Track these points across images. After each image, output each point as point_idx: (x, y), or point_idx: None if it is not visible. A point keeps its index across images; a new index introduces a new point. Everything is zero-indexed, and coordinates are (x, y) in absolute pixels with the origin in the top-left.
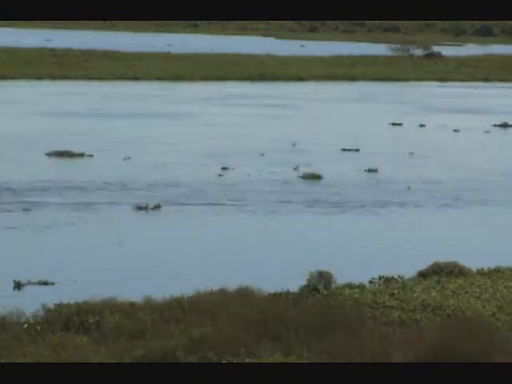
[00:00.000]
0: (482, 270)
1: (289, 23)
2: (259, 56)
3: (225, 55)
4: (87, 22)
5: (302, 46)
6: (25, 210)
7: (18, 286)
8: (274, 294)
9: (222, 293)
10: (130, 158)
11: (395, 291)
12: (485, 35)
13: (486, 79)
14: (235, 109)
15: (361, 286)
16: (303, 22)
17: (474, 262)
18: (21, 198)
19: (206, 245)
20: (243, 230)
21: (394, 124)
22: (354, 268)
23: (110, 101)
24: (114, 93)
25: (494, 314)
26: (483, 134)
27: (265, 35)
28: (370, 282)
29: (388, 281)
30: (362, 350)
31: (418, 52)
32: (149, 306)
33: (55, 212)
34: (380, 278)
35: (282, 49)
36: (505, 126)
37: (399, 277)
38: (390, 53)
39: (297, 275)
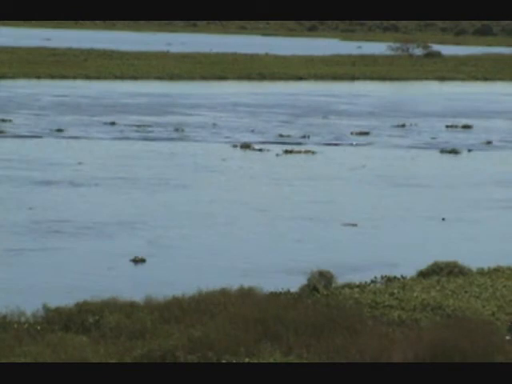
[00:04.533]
0: (482, 269)
1: (288, 23)
2: (259, 55)
3: (224, 54)
4: (87, 21)
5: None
6: None
7: None
8: (275, 294)
9: (223, 292)
10: None
11: (395, 291)
12: (485, 34)
13: (485, 78)
14: None
15: (361, 286)
16: (302, 21)
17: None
18: None
19: None
20: None
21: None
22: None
23: None
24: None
25: (493, 314)
26: None
27: (264, 34)
28: (372, 282)
29: (390, 280)
30: (362, 350)
31: (418, 51)
32: (149, 306)
33: None
34: (382, 277)
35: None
36: None
37: (402, 276)
38: (389, 52)
39: None
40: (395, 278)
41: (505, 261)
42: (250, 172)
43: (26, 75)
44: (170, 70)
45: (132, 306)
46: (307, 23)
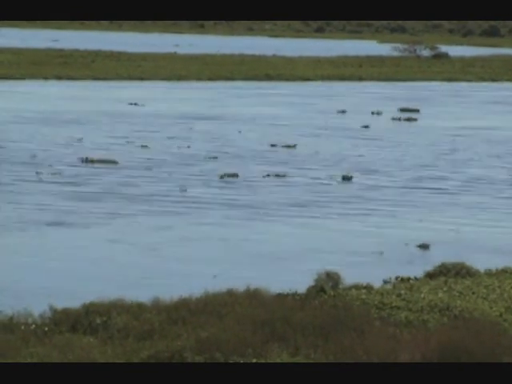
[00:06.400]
0: (490, 270)
1: (295, 23)
2: (266, 56)
3: (231, 56)
4: (93, 22)
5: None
6: None
7: None
8: (282, 295)
9: (229, 293)
10: None
11: (402, 292)
12: (492, 36)
13: (493, 79)
14: None
15: (368, 287)
16: (310, 22)
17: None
18: None
19: None
20: None
21: None
22: None
23: None
24: None
25: (501, 315)
26: None
27: (271, 36)
28: (385, 282)
29: (403, 281)
30: (369, 351)
31: (425, 52)
32: (156, 307)
33: None
34: (396, 278)
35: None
36: None
37: (415, 278)
38: (396, 53)
39: None
40: (409, 279)
41: None
42: None
43: (33, 76)
44: (178, 71)
45: (139, 307)
46: (314, 24)
